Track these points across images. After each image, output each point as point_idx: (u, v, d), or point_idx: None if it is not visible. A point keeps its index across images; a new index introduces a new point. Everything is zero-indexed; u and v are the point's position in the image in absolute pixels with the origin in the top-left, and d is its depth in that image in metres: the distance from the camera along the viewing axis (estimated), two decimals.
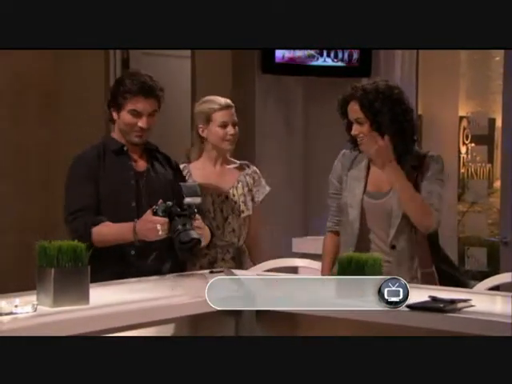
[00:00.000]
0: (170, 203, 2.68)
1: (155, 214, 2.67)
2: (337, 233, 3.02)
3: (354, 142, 2.94)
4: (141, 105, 2.88)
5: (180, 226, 2.62)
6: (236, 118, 3.25)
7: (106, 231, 2.75)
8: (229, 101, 3.27)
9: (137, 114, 2.89)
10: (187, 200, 2.72)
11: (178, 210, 2.66)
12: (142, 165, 2.96)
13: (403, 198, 2.81)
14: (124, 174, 2.90)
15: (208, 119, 3.24)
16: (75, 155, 2.95)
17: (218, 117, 3.22)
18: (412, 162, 2.88)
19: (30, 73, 4.48)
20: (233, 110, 3.25)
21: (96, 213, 2.80)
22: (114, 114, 2.93)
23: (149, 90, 2.89)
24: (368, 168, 2.94)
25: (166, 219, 2.65)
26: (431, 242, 2.95)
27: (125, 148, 2.93)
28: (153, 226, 2.65)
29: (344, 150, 3.03)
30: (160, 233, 2.64)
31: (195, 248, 2.68)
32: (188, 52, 4.99)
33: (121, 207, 2.83)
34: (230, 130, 3.21)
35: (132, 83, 2.87)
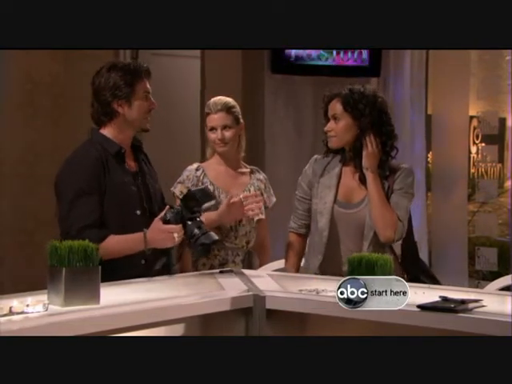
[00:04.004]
0: (178, 208, 2.68)
1: (167, 221, 2.64)
2: (301, 235, 3.04)
3: (327, 145, 2.97)
4: (148, 87, 2.80)
5: (196, 230, 2.65)
6: (229, 120, 3.20)
7: (114, 245, 2.63)
8: (225, 102, 3.22)
9: (146, 96, 2.79)
10: (205, 205, 2.80)
11: (189, 214, 2.67)
12: (132, 165, 2.84)
13: (374, 206, 2.84)
14: (125, 180, 2.76)
15: (205, 122, 3.27)
16: (72, 158, 2.75)
17: (208, 121, 3.24)
18: (385, 172, 2.91)
19: (42, 73, 4.51)
20: (226, 112, 3.20)
21: (101, 225, 2.65)
22: (121, 108, 2.75)
23: (148, 72, 2.82)
24: (339, 176, 2.96)
25: (180, 226, 2.65)
26: (411, 253, 2.96)
27: (122, 150, 2.78)
28: (168, 235, 2.62)
29: (316, 156, 3.06)
30: (176, 240, 2.64)
31: (213, 247, 2.78)
32: (197, 52, 5.00)
33: (127, 217, 2.72)
34: (218, 134, 3.20)
35: (136, 68, 2.77)
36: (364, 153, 2.86)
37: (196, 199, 2.72)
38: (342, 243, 2.90)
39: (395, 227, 2.82)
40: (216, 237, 2.69)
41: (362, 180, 2.90)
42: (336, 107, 2.92)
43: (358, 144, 2.89)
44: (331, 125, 2.92)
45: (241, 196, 3.11)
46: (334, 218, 2.90)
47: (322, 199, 2.93)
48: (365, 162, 2.86)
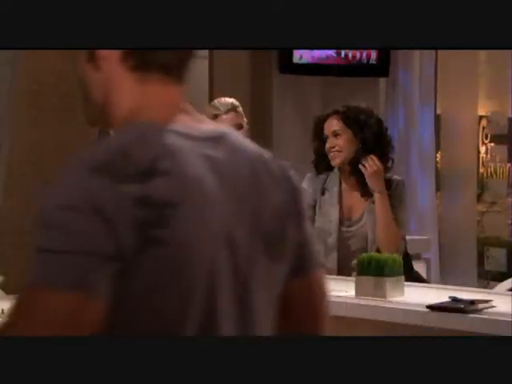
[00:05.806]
0: None
1: None
2: None
3: (317, 166, 2.98)
4: None
5: None
6: (240, 119, 3.20)
7: None
8: (232, 102, 3.22)
9: None
10: None
11: None
12: None
13: (380, 225, 2.87)
14: None
15: None
16: None
17: (223, 122, 3.23)
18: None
19: (49, 74, 4.51)
20: (236, 112, 3.20)
21: None
22: None
23: None
24: (340, 194, 2.97)
25: None
26: (405, 265, 2.98)
27: None
28: None
29: (309, 174, 3.05)
30: None
31: None
32: (205, 52, 5.00)
33: None
34: None
35: None
36: (367, 174, 2.86)
37: None
38: (349, 259, 2.91)
39: (398, 245, 2.86)
40: None
41: (364, 194, 2.92)
42: (334, 124, 2.94)
43: (356, 159, 2.90)
44: (333, 141, 2.92)
45: None
46: (341, 235, 2.92)
47: (328, 217, 2.95)
48: (371, 184, 2.86)
